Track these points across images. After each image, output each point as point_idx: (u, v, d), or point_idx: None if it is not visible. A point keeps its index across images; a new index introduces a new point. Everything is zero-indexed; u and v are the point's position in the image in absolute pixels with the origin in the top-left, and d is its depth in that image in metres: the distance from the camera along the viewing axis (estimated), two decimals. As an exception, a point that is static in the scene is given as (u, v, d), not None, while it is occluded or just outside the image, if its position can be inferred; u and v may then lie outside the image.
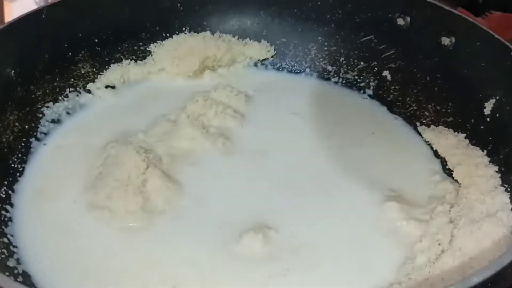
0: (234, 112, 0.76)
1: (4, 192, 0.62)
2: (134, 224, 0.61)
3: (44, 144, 0.71)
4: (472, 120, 0.69)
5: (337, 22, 0.83)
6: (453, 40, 0.72)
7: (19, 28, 0.68)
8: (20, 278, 0.53)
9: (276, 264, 0.57)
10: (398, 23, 0.78)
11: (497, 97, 0.66)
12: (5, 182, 0.63)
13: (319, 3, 0.83)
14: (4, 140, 0.66)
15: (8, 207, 0.61)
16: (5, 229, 0.59)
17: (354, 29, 0.83)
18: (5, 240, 0.57)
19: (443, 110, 0.74)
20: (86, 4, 0.76)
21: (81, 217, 0.62)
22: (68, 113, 0.75)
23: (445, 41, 0.73)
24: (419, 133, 0.75)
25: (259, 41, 0.87)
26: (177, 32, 0.84)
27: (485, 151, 0.67)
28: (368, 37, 0.82)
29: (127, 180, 0.64)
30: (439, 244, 0.59)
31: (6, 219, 0.60)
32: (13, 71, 0.68)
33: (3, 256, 0.55)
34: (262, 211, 0.63)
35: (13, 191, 0.64)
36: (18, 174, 0.66)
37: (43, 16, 0.71)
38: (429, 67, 0.76)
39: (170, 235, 0.60)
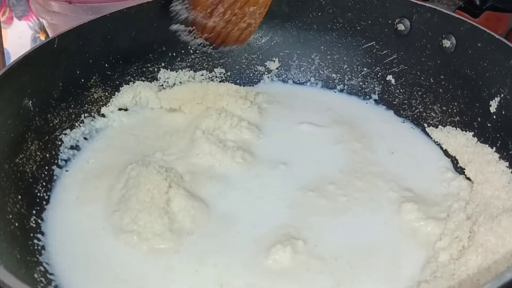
0: (249, 124, 0.78)
1: (34, 222, 0.63)
2: (164, 246, 0.62)
3: (66, 171, 0.72)
4: (479, 119, 0.72)
5: (338, 31, 0.86)
6: (454, 42, 0.74)
7: (34, 60, 0.69)
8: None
9: (307, 275, 0.59)
10: (399, 28, 0.80)
11: (502, 95, 0.68)
12: (34, 212, 0.65)
13: (319, 14, 0.86)
14: (28, 170, 0.67)
15: (39, 235, 0.63)
16: (39, 257, 0.60)
17: (355, 37, 0.85)
18: (42, 268, 0.58)
19: (449, 111, 0.76)
20: (95, 31, 0.77)
21: (110, 242, 0.63)
22: (85, 138, 0.76)
23: (446, 43, 0.75)
24: (427, 134, 0.78)
25: (264, 54, 0.89)
26: (183, 51, 0.85)
27: (494, 148, 0.69)
28: (369, 44, 0.84)
29: (150, 201, 0.64)
30: (459, 241, 0.61)
31: (39, 247, 0.61)
32: (30, 102, 0.69)
33: (42, 284, 0.56)
34: (287, 222, 0.65)
35: (42, 219, 0.65)
36: (44, 202, 0.67)
37: (55, 46, 0.72)
38: (432, 70, 0.78)
39: (200, 254, 0.61)
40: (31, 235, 0.62)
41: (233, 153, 0.73)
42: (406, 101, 0.82)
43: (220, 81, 0.88)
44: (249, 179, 0.71)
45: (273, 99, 0.85)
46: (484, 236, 0.59)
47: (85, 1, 0.95)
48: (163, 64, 0.85)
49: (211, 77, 0.88)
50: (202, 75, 0.87)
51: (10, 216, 0.60)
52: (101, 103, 0.79)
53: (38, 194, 0.67)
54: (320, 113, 0.82)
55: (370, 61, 0.85)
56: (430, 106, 0.79)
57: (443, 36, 0.75)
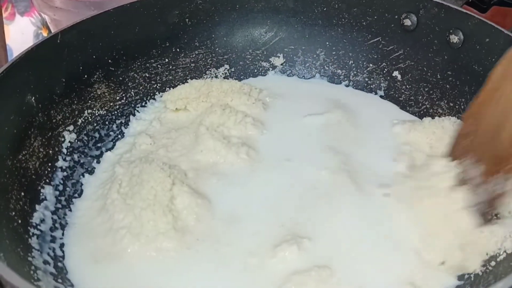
0: (253, 120, 0.77)
1: (39, 220, 0.63)
2: (168, 245, 0.61)
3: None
4: (487, 115, 0.71)
5: (344, 26, 0.85)
6: (462, 37, 0.73)
7: (36, 55, 0.69)
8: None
9: (313, 272, 0.58)
10: (405, 23, 0.79)
11: (510, 91, 0.68)
12: (37, 208, 0.64)
13: (325, 9, 0.85)
14: (31, 166, 0.66)
15: (42, 233, 0.62)
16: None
17: (361, 32, 0.84)
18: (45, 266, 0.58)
19: (457, 107, 0.75)
20: (98, 26, 0.76)
21: (114, 241, 0.62)
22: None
23: (454, 39, 0.74)
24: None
25: (268, 50, 0.88)
26: (187, 47, 0.84)
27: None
28: (375, 39, 0.83)
29: (154, 199, 0.64)
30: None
31: (43, 244, 0.61)
32: (33, 98, 0.68)
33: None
34: (292, 220, 0.64)
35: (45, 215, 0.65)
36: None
37: (58, 41, 0.72)
38: (439, 65, 0.77)
39: (204, 253, 0.61)
40: (34, 232, 0.61)
41: (237, 150, 0.72)
42: (412, 97, 0.81)
43: (224, 77, 0.87)
44: (253, 176, 0.70)
45: (278, 95, 0.84)
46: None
47: (88, -3, 0.94)
48: (166, 60, 0.84)
49: (216, 74, 0.87)
50: (206, 71, 0.87)
51: (13, 213, 0.59)
52: (104, 99, 0.79)
53: (42, 190, 0.66)
54: (324, 109, 0.81)
55: (376, 56, 0.84)
56: (437, 102, 0.78)
57: (450, 31, 0.74)
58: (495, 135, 0.57)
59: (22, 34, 1.37)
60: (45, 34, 1.25)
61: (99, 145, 0.76)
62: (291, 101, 0.83)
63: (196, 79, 0.85)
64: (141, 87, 0.82)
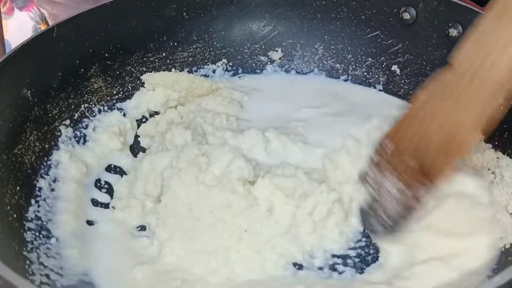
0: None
1: (32, 213, 0.63)
2: None
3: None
4: (486, 109, 0.70)
5: (342, 20, 0.85)
6: (461, 31, 0.73)
7: (32, 49, 0.68)
8: None
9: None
10: (404, 17, 0.79)
11: (510, 85, 0.67)
12: (33, 203, 0.64)
13: (323, 3, 0.84)
14: (26, 161, 0.66)
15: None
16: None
17: (360, 26, 0.84)
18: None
19: (456, 101, 0.75)
20: (94, 20, 0.76)
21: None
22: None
23: (453, 32, 0.74)
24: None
25: (266, 44, 0.87)
26: (184, 41, 0.84)
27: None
28: (374, 33, 0.83)
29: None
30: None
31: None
32: (29, 92, 0.68)
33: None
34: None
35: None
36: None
37: (54, 35, 0.71)
38: (438, 59, 0.77)
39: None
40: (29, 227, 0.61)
41: None
42: (411, 91, 0.80)
43: (224, 70, 0.87)
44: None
45: (274, 88, 0.84)
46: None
47: (86, -9, 0.94)
48: (164, 54, 0.84)
49: (213, 68, 0.87)
50: (204, 65, 0.86)
51: (8, 208, 0.59)
52: (101, 93, 0.78)
53: (37, 185, 0.66)
54: (322, 104, 0.80)
55: (374, 51, 0.84)
56: (436, 97, 0.77)
57: (450, 25, 0.74)
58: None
59: (20, 29, 1.36)
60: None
61: (95, 139, 0.76)
62: (287, 96, 0.83)
63: (192, 73, 0.85)
64: (138, 81, 0.82)
